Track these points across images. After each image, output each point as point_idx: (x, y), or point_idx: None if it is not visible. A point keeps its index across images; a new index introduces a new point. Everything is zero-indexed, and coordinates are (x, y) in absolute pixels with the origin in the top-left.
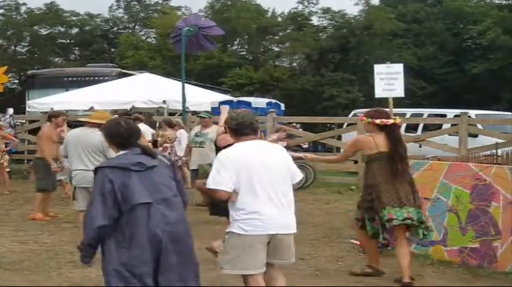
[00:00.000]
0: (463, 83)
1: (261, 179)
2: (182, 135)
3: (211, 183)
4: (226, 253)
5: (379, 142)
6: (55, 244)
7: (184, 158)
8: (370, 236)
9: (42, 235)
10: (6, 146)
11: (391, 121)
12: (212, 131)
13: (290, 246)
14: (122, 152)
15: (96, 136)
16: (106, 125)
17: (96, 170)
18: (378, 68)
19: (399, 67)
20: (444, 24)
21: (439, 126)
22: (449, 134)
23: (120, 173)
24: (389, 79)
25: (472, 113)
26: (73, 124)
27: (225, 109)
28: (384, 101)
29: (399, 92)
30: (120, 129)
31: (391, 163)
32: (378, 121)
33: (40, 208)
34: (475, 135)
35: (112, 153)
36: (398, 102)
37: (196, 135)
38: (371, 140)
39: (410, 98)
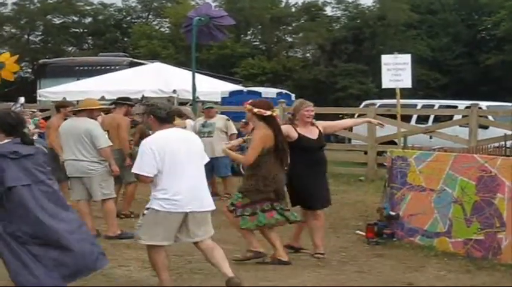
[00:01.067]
0: (476, 75)
1: (182, 163)
2: (190, 125)
3: (136, 168)
4: (145, 226)
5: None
6: None
7: None
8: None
9: None
10: None
11: (268, 113)
12: (218, 121)
13: (207, 222)
14: (5, 141)
15: (82, 125)
16: None
17: None
18: (385, 59)
19: (407, 58)
20: (459, 15)
21: (450, 118)
22: (460, 126)
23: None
24: (396, 69)
25: (483, 104)
26: None
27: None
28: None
29: (406, 82)
30: (9, 118)
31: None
32: (255, 110)
33: None
34: (486, 127)
35: (100, 141)
36: (412, 93)
37: (202, 125)
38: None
39: (424, 90)
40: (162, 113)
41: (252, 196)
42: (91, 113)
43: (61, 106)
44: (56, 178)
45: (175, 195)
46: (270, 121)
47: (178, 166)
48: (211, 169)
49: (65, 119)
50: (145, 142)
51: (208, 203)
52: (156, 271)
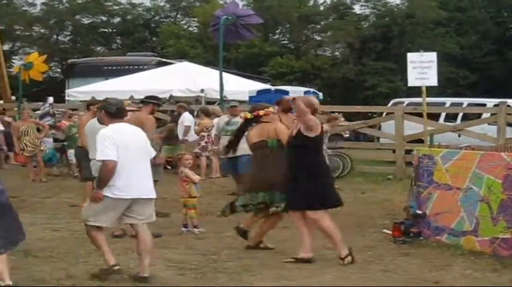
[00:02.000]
0: (506, 72)
1: (131, 154)
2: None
3: (101, 155)
4: (93, 209)
5: None
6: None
7: (215, 147)
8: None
9: (75, 223)
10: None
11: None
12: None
13: (150, 208)
14: None
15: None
16: None
17: None
18: (411, 57)
19: (432, 56)
20: (488, 13)
21: (479, 116)
22: (489, 124)
23: None
24: (422, 68)
25: None
26: None
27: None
28: (427, 89)
29: (432, 80)
30: None
31: None
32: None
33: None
34: None
35: None
36: (441, 91)
37: (226, 124)
38: None
39: (453, 88)
40: (112, 108)
41: None
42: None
43: (91, 104)
44: (84, 176)
45: (125, 184)
46: None
47: (129, 158)
48: (235, 167)
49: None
50: (103, 132)
51: (151, 192)
52: (97, 245)
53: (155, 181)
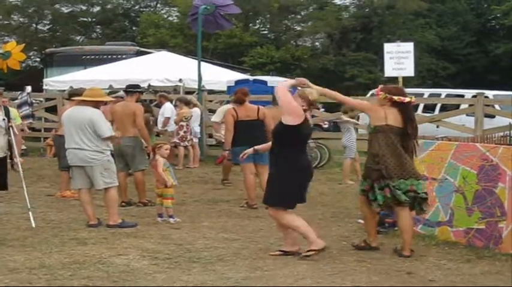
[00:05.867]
0: (486, 64)
1: None
2: (196, 113)
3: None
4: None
5: (390, 116)
6: (62, 221)
7: (217, 134)
8: (381, 205)
9: (51, 213)
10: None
11: (407, 99)
12: None
13: None
14: None
15: (85, 114)
16: None
17: None
18: (388, 47)
19: (410, 46)
20: (468, 4)
21: (457, 107)
22: (467, 115)
23: None
24: (399, 58)
25: (490, 93)
26: None
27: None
28: (406, 80)
29: (409, 71)
30: None
31: (401, 138)
32: (396, 98)
33: (68, 186)
34: (493, 116)
35: (103, 130)
36: (420, 82)
37: None
38: (382, 112)
39: (433, 79)
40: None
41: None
42: (96, 103)
43: (75, 94)
44: (62, 166)
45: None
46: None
47: None
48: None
49: None
50: None
51: None
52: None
53: (138, 170)
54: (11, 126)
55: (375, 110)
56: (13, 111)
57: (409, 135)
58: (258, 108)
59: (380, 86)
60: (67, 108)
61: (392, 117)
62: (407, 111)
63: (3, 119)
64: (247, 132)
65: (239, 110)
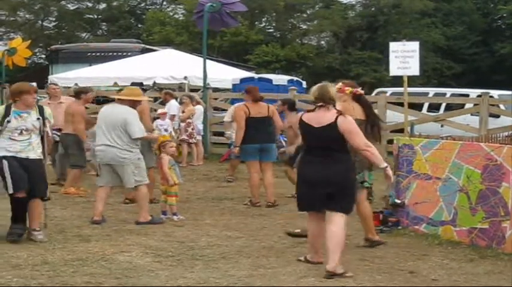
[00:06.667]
0: (491, 64)
1: None
2: (199, 110)
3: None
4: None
5: (356, 110)
6: (65, 218)
7: (228, 133)
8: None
9: (54, 209)
10: None
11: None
12: None
13: None
14: None
15: (120, 113)
16: None
17: None
18: (393, 46)
19: (415, 45)
20: (474, 4)
21: (462, 106)
22: (472, 114)
23: None
24: (404, 57)
25: (495, 93)
26: (101, 99)
27: None
28: (411, 79)
29: (414, 70)
30: None
31: (365, 128)
32: (359, 90)
33: (73, 183)
34: (497, 116)
35: (134, 130)
36: (426, 81)
37: None
38: (351, 107)
39: (438, 78)
40: None
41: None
42: (133, 103)
43: (81, 92)
44: (74, 163)
45: None
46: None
47: None
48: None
49: (86, 106)
50: None
51: None
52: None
53: (148, 168)
54: (45, 126)
55: (347, 109)
56: (47, 110)
57: (374, 123)
58: (268, 106)
59: (340, 83)
60: (74, 106)
61: (358, 111)
62: (366, 102)
63: (38, 119)
64: (258, 129)
65: (251, 107)
